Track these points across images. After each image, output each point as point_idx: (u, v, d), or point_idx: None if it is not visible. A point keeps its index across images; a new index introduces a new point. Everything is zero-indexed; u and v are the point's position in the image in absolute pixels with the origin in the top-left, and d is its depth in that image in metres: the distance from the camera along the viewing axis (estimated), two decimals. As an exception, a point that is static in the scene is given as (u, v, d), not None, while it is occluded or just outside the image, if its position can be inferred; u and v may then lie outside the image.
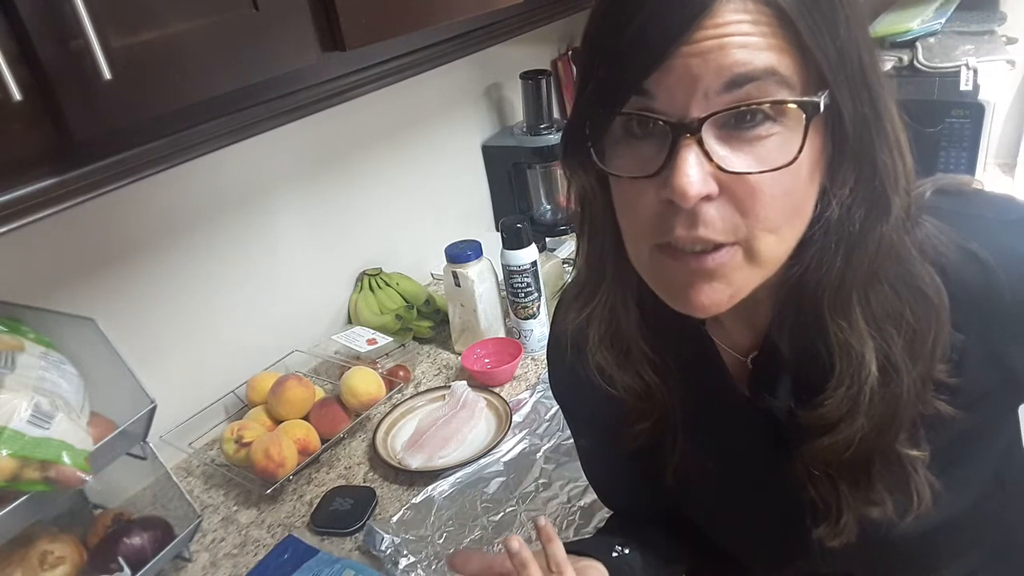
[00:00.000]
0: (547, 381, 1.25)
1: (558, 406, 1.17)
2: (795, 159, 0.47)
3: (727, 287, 0.51)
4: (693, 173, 0.46)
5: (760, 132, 0.47)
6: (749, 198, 0.48)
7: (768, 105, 0.46)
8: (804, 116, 0.47)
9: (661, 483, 0.69)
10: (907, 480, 0.57)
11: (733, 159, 0.47)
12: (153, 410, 0.92)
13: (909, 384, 0.53)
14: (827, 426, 0.55)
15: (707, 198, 0.47)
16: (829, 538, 0.61)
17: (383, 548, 0.96)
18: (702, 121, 0.46)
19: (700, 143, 0.46)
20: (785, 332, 0.57)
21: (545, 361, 1.30)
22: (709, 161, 0.47)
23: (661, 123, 0.47)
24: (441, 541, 0.97)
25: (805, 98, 0.47)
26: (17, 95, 0.59)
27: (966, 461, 0.61)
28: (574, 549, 0.68)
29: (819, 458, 0.58)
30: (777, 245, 0.50)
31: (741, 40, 0.45)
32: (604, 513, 0.97)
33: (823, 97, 0.47)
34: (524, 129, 1.70)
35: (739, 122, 0.47)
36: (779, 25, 0.46)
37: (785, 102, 0.46)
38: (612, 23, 0.48)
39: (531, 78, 1.64)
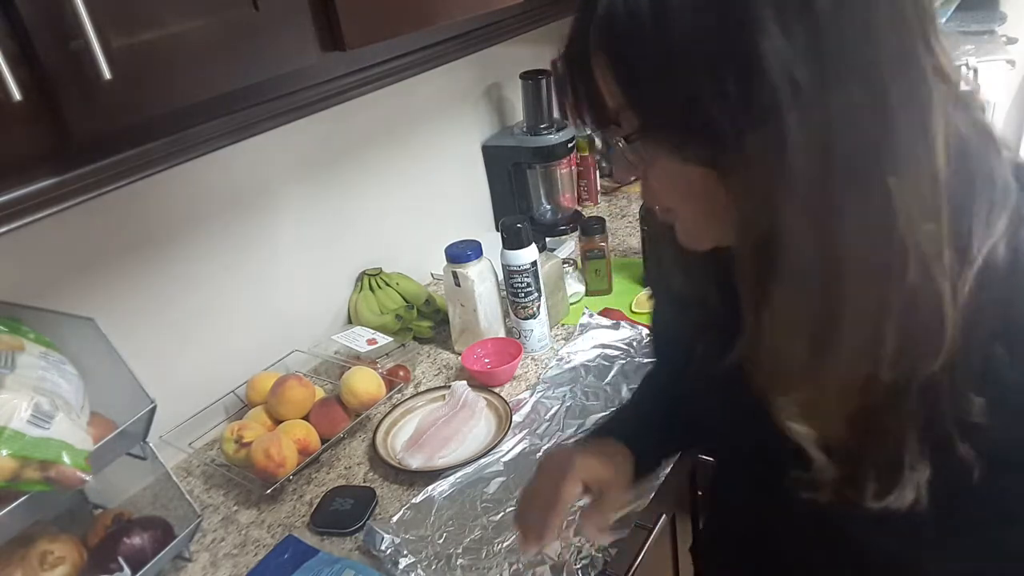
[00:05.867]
0: (547, 381, 1.26)
1: (558, 405, 1.18)
2: (645, 169, 0.57)
3: (687, 239, 0.59)
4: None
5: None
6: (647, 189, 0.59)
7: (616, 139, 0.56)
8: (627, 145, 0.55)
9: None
10: (900, 471, 0.54)
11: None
12: (153, 410, 0.92)
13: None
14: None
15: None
16: (802, 486, 0.58)
17: (383, 548, 0.96)
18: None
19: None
20: None
21: (544, 361, 1.31)
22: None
23: None
24: (441, 541, 0.97)
25: None
26: (17, 95, 0.59)
27: (971, 527, 0.58)
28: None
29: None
30: (685, 223, 0.58)
31: None
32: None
33: None
34: (524, 129, 1.70)
35: None
36: None
37: (625, 137, 0.55)
38: None
39: (531, 78, 1.65)
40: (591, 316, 1.40)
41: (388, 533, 0.97)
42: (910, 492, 0.54)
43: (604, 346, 1.32)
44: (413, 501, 1.04)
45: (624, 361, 1.26)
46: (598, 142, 0.53)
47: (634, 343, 1.31)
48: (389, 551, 0.95)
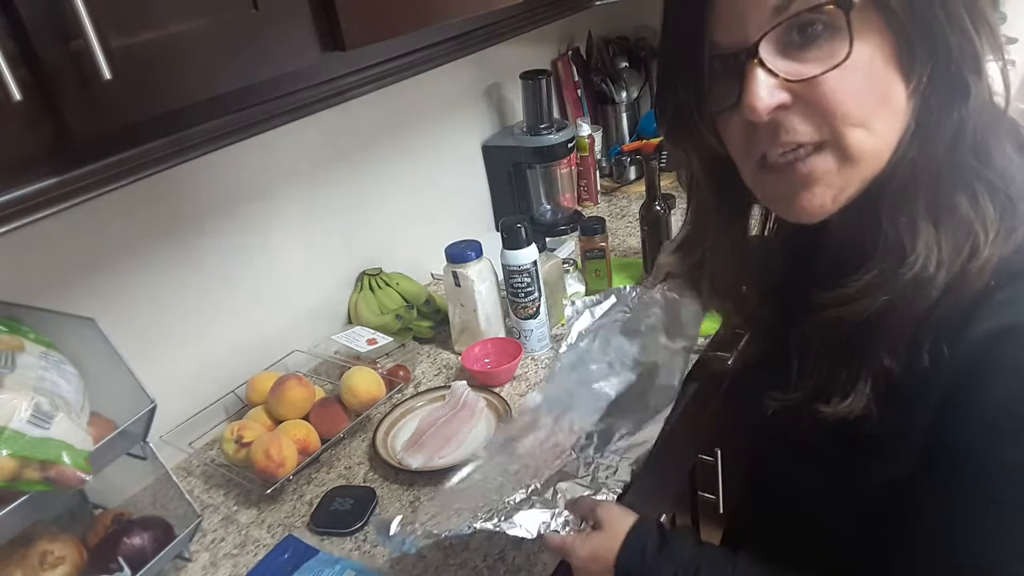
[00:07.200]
0: (548, 381, 1.24)
1: (560, 408, 1.17)
2: (847, 55, 0.51)
3: (827, 189, 0.56)
4: (758, 90, 0.52)
5: (818, 40, 0.52)
6: (822, 99, 0.53)
7: (809, 12, 0.51)
8: (843, 12, 0.51)
9: None
10: (855, 381, 0.58)
11: (797, 68, 0.52)
12: (153, 410, 0.92)
13: (927, 304, 0.54)
14: (841, 302, 0.58)
15: (783, 108, 0.53)
16: (778, 399, 0.64)
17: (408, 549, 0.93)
18: (757, 44, 0.52)
19: (761, 63, 0.52)
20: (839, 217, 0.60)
21: (545, 362, 1.31)
22: (774, 77, 0.53)
23: (726, 55, 0.54)
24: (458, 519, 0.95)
25: None
26: (17, 95, 0.59)
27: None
28: None
29: (820, 327, 0.60)
30: (868, 138, 0.54)
31: None
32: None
33: None
34: (524, 129, 1.70)
35: (798, 36, 0.52)
36: None
37: (822, 5, 0.50)
38: None
39: (531, 78, 1.65)
40: (573, 304, 1.33)
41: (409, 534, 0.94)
42: (859, 400, 0.58)
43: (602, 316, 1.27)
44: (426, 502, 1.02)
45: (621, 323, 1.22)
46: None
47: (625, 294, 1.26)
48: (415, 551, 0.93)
